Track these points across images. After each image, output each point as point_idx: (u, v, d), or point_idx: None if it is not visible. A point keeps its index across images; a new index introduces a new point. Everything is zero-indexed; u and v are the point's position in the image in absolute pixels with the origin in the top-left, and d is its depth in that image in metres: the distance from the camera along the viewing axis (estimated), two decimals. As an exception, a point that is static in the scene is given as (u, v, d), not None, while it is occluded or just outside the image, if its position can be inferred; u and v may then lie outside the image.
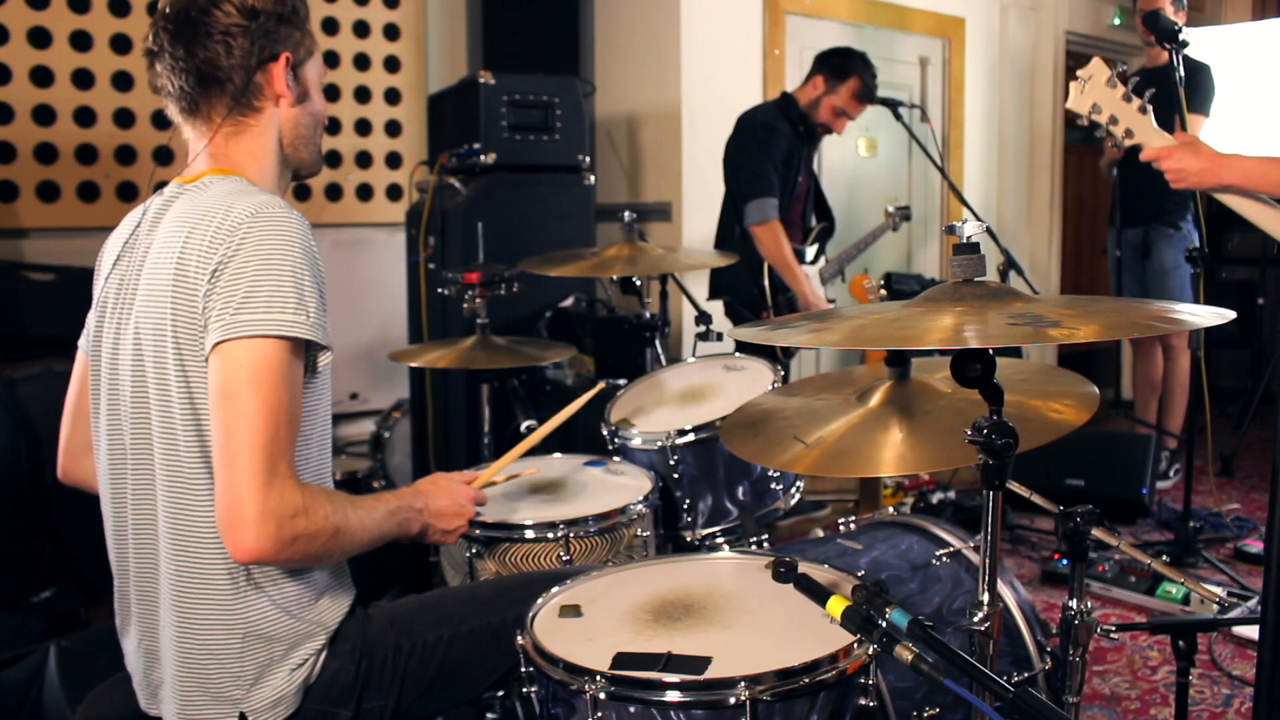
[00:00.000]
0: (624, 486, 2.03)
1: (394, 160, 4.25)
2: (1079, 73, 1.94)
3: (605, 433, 2.24)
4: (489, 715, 1.98)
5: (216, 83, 1.40)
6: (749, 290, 3.50)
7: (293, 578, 1.37)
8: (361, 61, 4.16)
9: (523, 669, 1.38)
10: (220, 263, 1.27)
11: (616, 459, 2.20)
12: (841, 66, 3.47)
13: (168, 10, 1.39)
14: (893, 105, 3.52)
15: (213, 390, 1.26)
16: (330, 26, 4.07)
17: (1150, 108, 1.96)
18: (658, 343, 2.60)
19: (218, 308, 1.26)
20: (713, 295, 3.67)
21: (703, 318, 2.69)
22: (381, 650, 1.44)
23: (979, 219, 1.22)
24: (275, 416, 1.25)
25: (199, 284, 1.28)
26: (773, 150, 3.42)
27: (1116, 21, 5.95)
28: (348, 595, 1.45)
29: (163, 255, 1.34)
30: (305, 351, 1.32)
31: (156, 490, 1.34)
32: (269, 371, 1.25)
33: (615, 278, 2.50)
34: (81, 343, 1.53)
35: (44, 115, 3.46)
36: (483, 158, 3.44)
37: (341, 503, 1.36)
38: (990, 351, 1.10)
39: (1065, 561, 3.18)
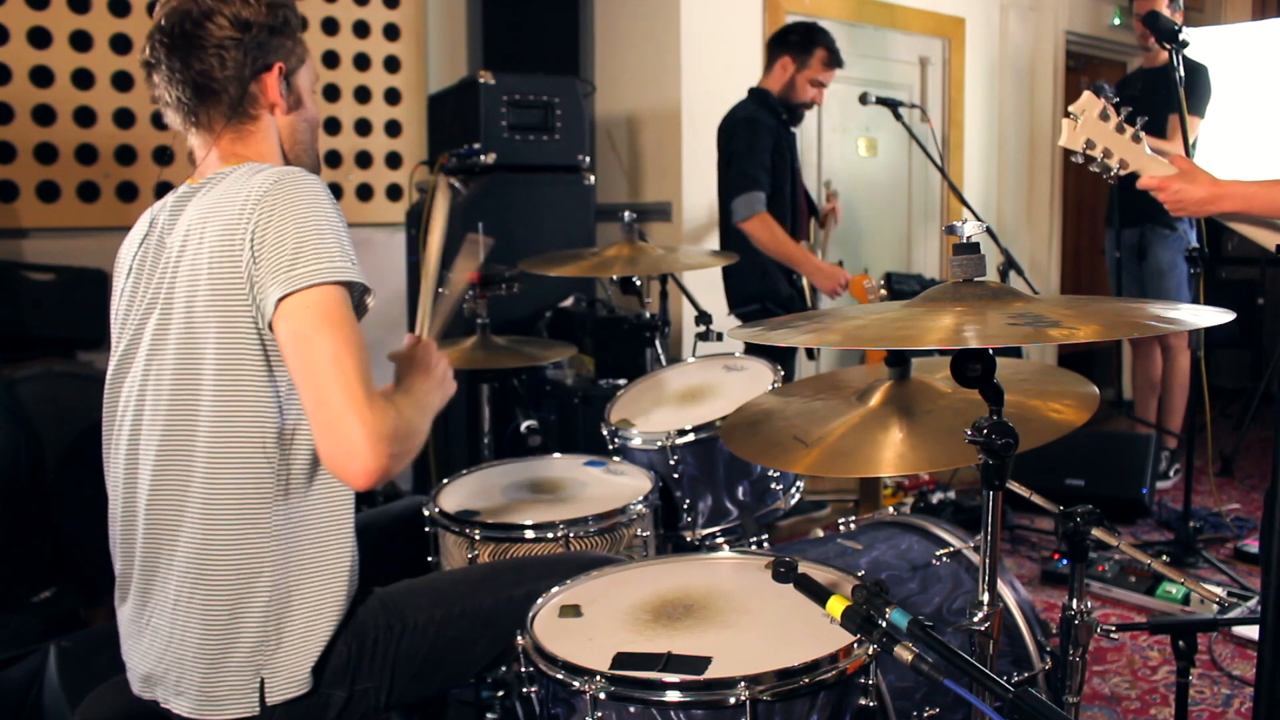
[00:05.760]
0: (624, 486, 2.03)
1: (394, 160, 4.25)
2: (1071, 109, 1.93)
3: (605, 433, 2.24)
4: (489, 715, 1.98)
5: (212, 94, 1.44)
6: (785, 291, 3.46)
7: (318, 543, 1.40)
8: (361, 61, 4.15)
9: (523, 669, 1.38)
10: (257, 230, 1.32)
11: (616, 459, 2.20)
12: (804, 41, 3.48)
13: (163, 23, 1.42)
14: (893, 105, 3.52)
15: (287, 341, 1.31)
16: (330, 26, 4.07)
17: (1144, 136, 1.96)
18: (658, 343, 2.60)
19: (269, 270, 1.30)
20: (741, 304, 3.57)
21: (703, 318, 2.69)
22: (373, 631, 1.46)
23: (979, 219, 1.22)
24: (353, 346, 1.31)
25: (240, 256, 1.32)
26: (759, 143, 3.39)
27: (1116, 21, 5.95)
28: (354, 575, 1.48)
29: (190, 246, 1.38)
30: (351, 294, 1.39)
31: (188, 464, 1.36)
32: (335, 310, 1.31)
33: (615, 278, 2.50)
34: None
35: (44, 115, 3.45)
36: (483, 158, 3.44)
37: (403, 402, 1.42)
38: (990, 351, 1.10)
39: (1065, 561, 3.17)
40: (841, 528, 1.95)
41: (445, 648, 1.52)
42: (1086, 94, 1.93)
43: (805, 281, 3.45)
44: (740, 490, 2.14)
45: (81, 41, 3.51)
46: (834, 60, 3.49)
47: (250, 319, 1.33)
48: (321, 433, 1.30)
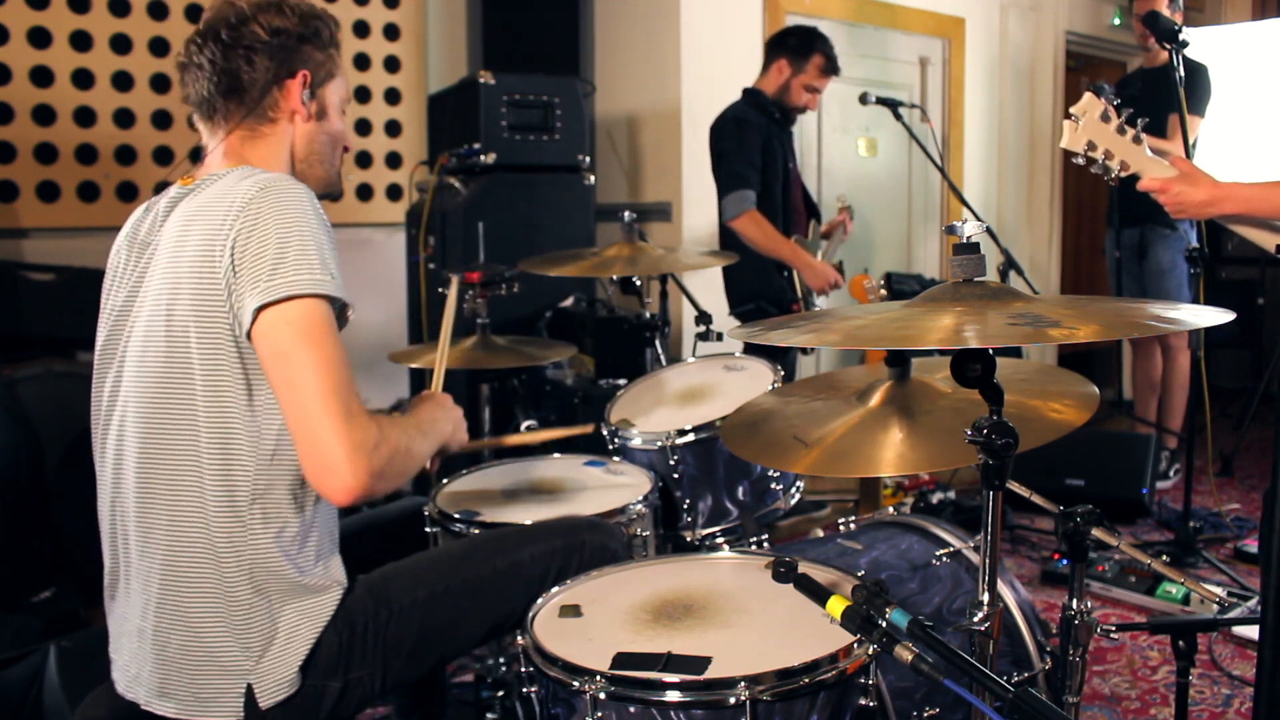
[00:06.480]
0: (624, 486, 2.03)
1: (394, 160, 4.25)
2: (1072, 110, 1.93)
3: (605, 433, 2.24)
4: (489, 715, 1.98)
5: (235, 92, 1.48)
6: (779, 286, 3.47)
7: (300, 553, 1.40)
8: (361, 61, 4.16)
9: (522, 669, 1.38)
10: (238, 239, 1.32)
11: (616, 459, 2.20)
12: (802, 46, 3.47)
13: (202, 26, 1.48)
14: (893, 105, 3.52)
15: (267, 357, 1.32)
16: (330, 26, 4.07)
17: (1145, 137, 1.96)
18: (658, 343, 2.59)
19: (248, 279, 1.31)
20: (738, 304, 3.57)
21: (703, 318, 2.69)
22: (361, 618, 1.46)
23: (979, 219, 1.22)
24: (333, 362, 1.31)
25: (219, 264, 1.32)
26: (748, 142, 3.39)
27: (1116, 21, 5.95)
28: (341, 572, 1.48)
29: (174, 247, 1.39)
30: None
31: (168, 467, 1.37)
32: (316, 324, 1.31)
33: (615, 278, 2.50)
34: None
35: (44, 115, 3.46)
36: (483, 158, 3.44)
37: (393, 424, 1.42)
38: (990, 351, 1.10)
39: (1065, 561, 3.17)
40: (841, 528, 1.95)
41: (434, 626, 1.53)
42: (1088, 95, 1.93)
43: (796, 276, 3.45)
44: (740, 490, 2.14)
45: (81, 41, 3.51)
46: (830, 67, 3.48)
47: (227, 326, 1.33)
48: (302, 449, 1.31)
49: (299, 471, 1.39)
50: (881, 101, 3.52)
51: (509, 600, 1.50)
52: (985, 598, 1.18)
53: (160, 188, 1.52)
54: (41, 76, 3.44)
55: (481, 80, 3.43)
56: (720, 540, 2.13)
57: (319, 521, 1.44)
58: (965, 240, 1.18)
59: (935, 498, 3.75)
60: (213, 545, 1.35)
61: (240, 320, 1.32)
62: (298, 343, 1.30)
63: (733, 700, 1.21)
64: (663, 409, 2.29)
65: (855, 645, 1.28)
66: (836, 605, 1.13)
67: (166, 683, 1.37)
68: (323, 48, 1.54)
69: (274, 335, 1.30)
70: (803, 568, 1.22)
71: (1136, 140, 1.95)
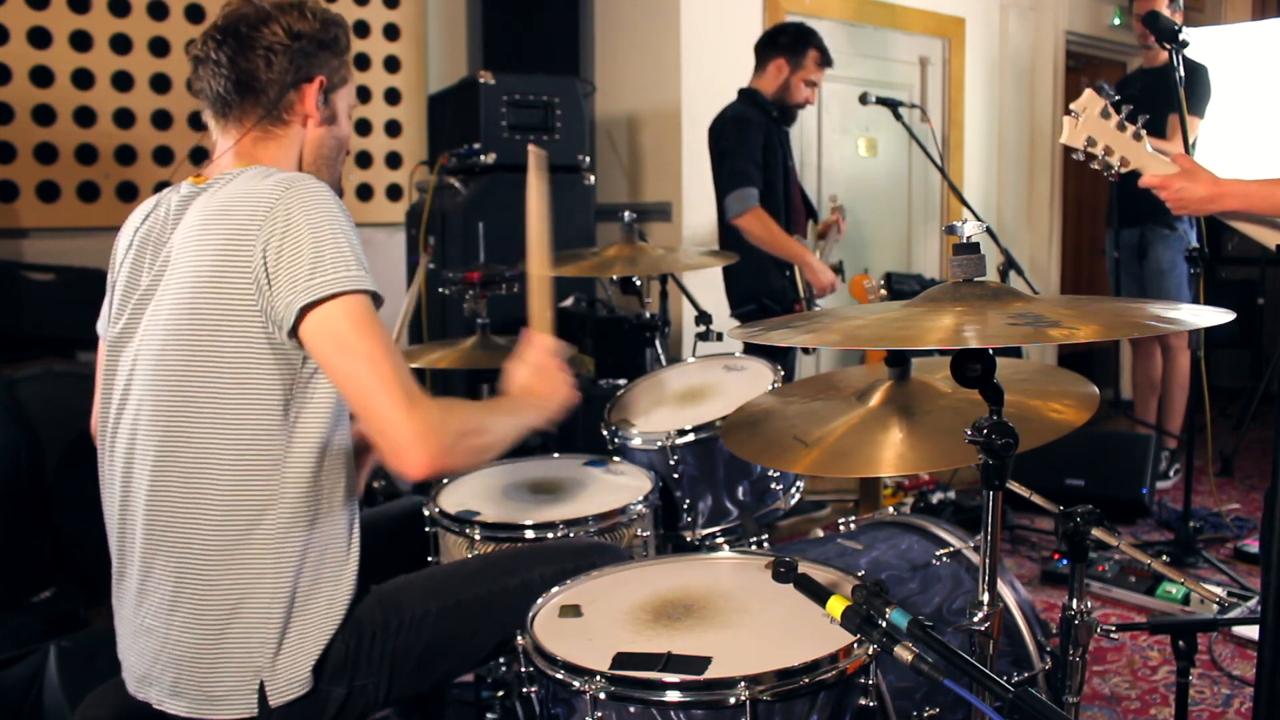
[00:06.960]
0: (624, 486, 2.03)
1: (394, 160, 4.25)
2: (1072, 106, 1.93)
3: (605, 433, 2.24)
4: (489, 715, 1.98)
5: (252, 92, 1.48)
6: (780, 286, 3.47)
7: (320, 553, 1.41)
8: (361, 61, 4.16)
9: (523, 669, 1.38)
10: (271, 238, 1.33)
11: (616, 459, 2.20)
12: (795, 43, 3.50)
13: (220, 22, 1.48)
14: (893, 105, 3.52)
15: (322, 353, 1.34)
16: (330, 26, 4.07)
17: (1145, 133, 1.96)
18: (658, 343, 2.60)
19: (287, 279, 1.32)
20: (739, 304, 3.57)
21: (703, 318, 2.69)
22: (370, 627, 1.46)
23: (979, 219, 1.22)
24: (389, 350, 1.34)
25: (250, 263, 1.33)
26: (749, 140, 3.40)
27: (1116, 21, 5.95)
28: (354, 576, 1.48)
29: (194, 247, 1.38)
30: None
31: (191, 465, 1.37)
32: (364, 317, 1.34)
33: (615, 278, 2.50)
34: (100, 328, 1.58)
35: (44, 115, 3.46)
36: (483, 158, 3.44)
37: (462, 404, 1.46)
38: (990, 351, 1.10)
39: (1065, 561, 3.17)
40: (841, 528, 1.95)
41: (443, 640, 1.53)
42: (1088, 92, 1.93)
43: (799, 274, 3.45)
44: (740, 490, 2.14)
45: (81, 41, 3.51)
46: (826, 59, 3.53)
47: (259, 325, 1.33)
48: (375, 437, 1.35)
49: (322, 471, 1.40)
50: (881, 101, 3.52)
51: (518, 619, 1.50)
52: (985, 598, 1.18)
53: (160, 188, 1.52)
54: (41, 76, 3.44)
55: (481, 80, 3.43)
56: (720, 540, 2.13)
57: (340, 522, 1.44)
58: (965, 240, 1.18)
59: (935, 498, 3.75)
60: (234, 544, 1.36)
61: (278, 320, 1.32)
62: (351, 336, 1.32)
63: (733, 700, 1.21)
64: (663, 409, 2.29)
65: (855, 645, 1.28)
66: (836, 605, 1.13)
67: (179, 681, 1.37)
68: (339, 54, 1.56)
69: (326, 331, 1.32)
70: (803, 568, 1.22)
71: (1137, 137, 1.95)
